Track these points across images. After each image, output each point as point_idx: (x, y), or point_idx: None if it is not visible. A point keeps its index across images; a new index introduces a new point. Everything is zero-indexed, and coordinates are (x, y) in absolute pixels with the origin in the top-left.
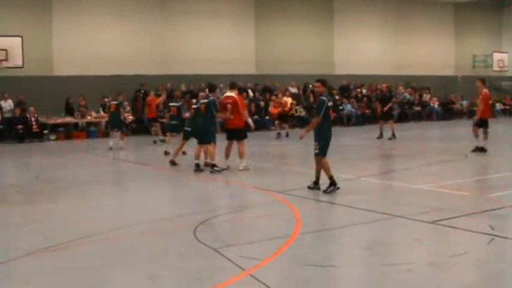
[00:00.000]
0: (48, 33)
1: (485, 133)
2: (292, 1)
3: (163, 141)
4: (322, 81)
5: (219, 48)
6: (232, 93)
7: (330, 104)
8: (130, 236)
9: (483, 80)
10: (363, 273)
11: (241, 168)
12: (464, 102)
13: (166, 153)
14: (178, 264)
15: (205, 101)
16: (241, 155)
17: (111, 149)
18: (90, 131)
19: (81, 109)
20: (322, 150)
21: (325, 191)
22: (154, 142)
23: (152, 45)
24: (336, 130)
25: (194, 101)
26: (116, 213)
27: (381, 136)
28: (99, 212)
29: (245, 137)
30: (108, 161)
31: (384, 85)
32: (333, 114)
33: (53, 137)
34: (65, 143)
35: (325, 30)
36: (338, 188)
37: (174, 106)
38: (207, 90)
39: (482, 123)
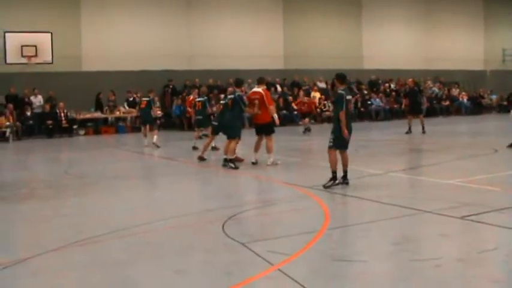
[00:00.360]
0: (77, 29)
1: None
2: None
3: (205, 135)
4: (337, 75)
5: (246, 43)
6: (259, 89)
7: (348, 97)
8: (158, 231)
9: None
10: (392, 268)
11: (269, 163)
12: (494, 97)
13: (194, 148)
14: (206, 259)
15: (232, 96)
16: (269, 150)
17: (147, 146)
18: (118, 126)
19: (110, 104)
20: (335, 143)
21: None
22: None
23: (180, 41)
24: (364, 125)
25: (222, 96)
26: (144, 207)
27: (409, 131)
28: (127, 206)
29: (273, 131)
30: (136, 156)
31: (410, 80)
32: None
33: (82, 132)
34: (93, 138)
35: (354, 25)
36: (337, 183)
37: (199, 101)
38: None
39: None
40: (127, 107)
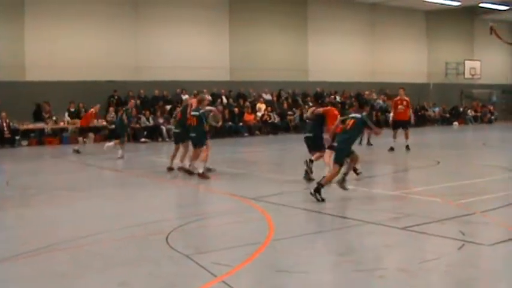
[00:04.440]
0: (20, 38)
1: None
2: (267, 8)
3: None
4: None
5: (193, 55)
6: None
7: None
8: (103, 243)
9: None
10: (335, 279)
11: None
12: (436, 109)
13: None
14: (150, 271)
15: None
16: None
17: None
18: (62, 137)
19: (45, 115)
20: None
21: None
22: None
23: (126, 51)
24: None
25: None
26: (89, 219)
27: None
28: (71, 218)
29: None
30: (81, 167)
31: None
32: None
33: (24, 142)
34: (37, 149)
35: (299, 37)
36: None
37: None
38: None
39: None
40: (68, 118)
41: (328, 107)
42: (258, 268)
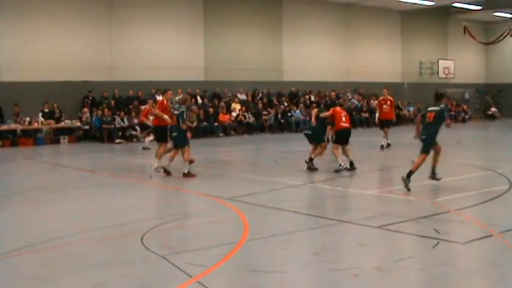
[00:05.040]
0: None
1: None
2: (242, 8)
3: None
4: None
5: (167, 55)
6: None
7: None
8: (78, 244)
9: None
10: (311, 278)
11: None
12: (411, 109)
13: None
14: (125, 272)
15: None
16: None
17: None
18: (37, 138)
19: (16, 117)
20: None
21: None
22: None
23: (100, 51)
24: (284, 136)
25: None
26: (63, 220)
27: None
28: (45, 219)
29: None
30: (55, 168)
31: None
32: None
33: None
34: (10, 150)
35: (274, 37)
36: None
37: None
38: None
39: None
40: (42, 118)
41: (334, 109)
42: (233, 268)
